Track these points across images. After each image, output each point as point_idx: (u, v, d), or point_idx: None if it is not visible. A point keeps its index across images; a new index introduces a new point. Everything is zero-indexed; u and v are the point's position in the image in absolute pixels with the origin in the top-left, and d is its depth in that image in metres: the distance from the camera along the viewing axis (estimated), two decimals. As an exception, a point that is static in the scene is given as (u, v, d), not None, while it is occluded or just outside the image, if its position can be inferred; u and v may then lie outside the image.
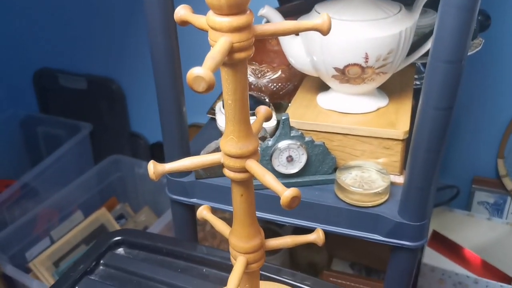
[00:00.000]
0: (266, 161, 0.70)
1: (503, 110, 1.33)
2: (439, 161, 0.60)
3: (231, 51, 0.37)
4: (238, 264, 0.48)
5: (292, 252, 1.16)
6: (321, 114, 0.74)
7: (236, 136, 0.42)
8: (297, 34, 0.72)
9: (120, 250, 0.75)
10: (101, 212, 1.69)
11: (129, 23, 1.64)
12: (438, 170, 0.61)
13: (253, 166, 0.42)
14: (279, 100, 0.85)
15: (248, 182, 0.45)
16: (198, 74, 0.32)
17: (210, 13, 0.37)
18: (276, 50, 0.89)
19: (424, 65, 0.93)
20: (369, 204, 0.68)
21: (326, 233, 0.94)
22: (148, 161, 1.61)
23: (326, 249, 1.10)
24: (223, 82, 0.40)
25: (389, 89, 0.78)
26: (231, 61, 0.37)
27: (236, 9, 0.36)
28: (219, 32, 0.36)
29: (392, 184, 0.71)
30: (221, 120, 0.77)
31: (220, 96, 0.88)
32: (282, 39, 0.73)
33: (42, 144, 1.96)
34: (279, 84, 0.82)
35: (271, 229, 1.19)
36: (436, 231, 1.41)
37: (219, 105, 0.79)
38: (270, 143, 0.69)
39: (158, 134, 1.83)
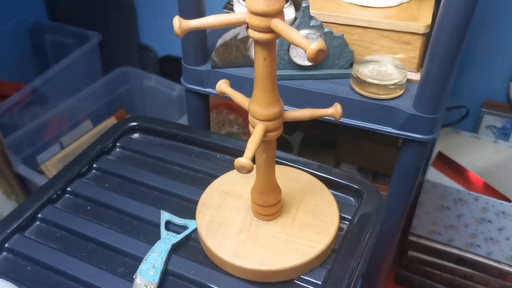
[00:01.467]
0: (284, 51, 0.70)
1: (520, 32, 1.31)
2: (460, 51, 0.59)
3: None
4: (257, 130, 0.49)
5: (300, 156, 1.18)
6: (340, 7, 0.73)
7: (264, -9, 0.41)
8: None
9: (136, 135, 0.76)
10: (111, 121, 1.71)
11: None
12: (457, 62, 0.61)
13: (279, 24, 0.42)
14: (298, -3, 0.83)
15: (272, 45, 0.45)
16: None
17: None
18: None
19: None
20: (384, 97, 0.68)
21: (335, 138, 0.94)
22: (157, 74, 1.62)
23: (334, 154, 1.12)
24: None
25: (412, -13, 0.77)
26: None
27: None
28: None
29: (408, 81, 0.71)
30: (239, 9, 0.76)
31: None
32: None
33: (50, 52, 1.95)
34: (299, -22, 0.80)
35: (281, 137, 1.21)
36: (441, 152, 1.43)
37: (237, -4, 0.78)
38: (288, 32, 0.69)
39: (167, 48, 1.82)
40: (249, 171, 0.45)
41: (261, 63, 0.46)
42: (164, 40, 1.80)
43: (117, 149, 0.74)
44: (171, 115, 1.78)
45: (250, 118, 0.50)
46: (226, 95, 0.54)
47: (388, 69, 0.69)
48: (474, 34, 1.33)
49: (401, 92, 0.69)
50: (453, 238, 1.35)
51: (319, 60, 0.39)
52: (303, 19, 0.68)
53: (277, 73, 0.72)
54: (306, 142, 1.14)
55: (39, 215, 0.63)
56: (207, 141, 0.73)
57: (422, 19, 0.68)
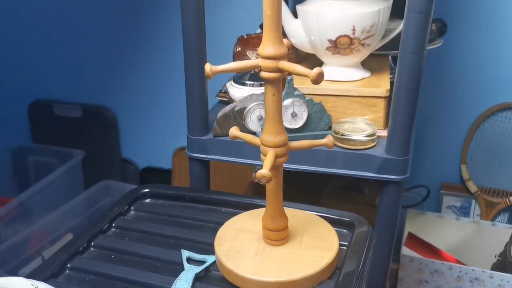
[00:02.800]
0: (274, 118, 0.84)
1: (462, 120, 1.53)
2: (417, 100, 0.75)
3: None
4: (269, 155, 0.60)
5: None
6: (317, 83, 0.89)
7: (272, 41, 0.56)
8: (296, 17, 0.89)
9: (147, 200, 0.85)
10: (94, 231, 1.75)
11: (123, 51, 1.79)
12: (416, 109, 0.77)
13: (285, 63, 0.56)
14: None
15: (279, 83, 0.59)
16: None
17: None
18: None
19: (394, 59, 1.11)
20: (361, 147, 0.82)
21: (319, 203, 1.06)
22: (138, 185, 1.75)
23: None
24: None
25: (370, 69, 0.95)
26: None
27: None
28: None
29: (378, 137, 0.86)
30: (233, 91, 0.91)
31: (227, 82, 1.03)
32: (284, 24, 0.90)
33: (33, 172, 2.03)
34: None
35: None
36: (411, 232, 1.54)
37: (229, 82, 0.94)
38: (277, 101, 0.84)
39: (147, 159, 1.95)
40: (268, 180, 0.56)
41: (271, 99, 0.59)
42: (144, 152, 1.94)
43: (132, 212, 0.82)
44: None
45: (262, 148, 0.62)
46: (238, 138, 0.66)
47: (361, 126, 0.84)
48: (425, 122, 1.54)
49: (374, 144, 0.83)
50: (435, 312, 1.41)
51: (320, 81, 0.53)
52: (289, 90, 0.83)
53: (269, 137, 0.86)
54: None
55: (68, 265, 0.69)
56: (213, 198, 0.82)
57: (382, 86, 0.86)
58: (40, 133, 2.02)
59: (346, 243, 0.71)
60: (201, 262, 0.68)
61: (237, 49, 0.98)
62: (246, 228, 0.71)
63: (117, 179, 1.94)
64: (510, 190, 1.54)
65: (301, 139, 0.87)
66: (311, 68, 0.97)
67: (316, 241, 0.68)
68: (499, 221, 1.56)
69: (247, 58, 0.97)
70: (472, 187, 1.56)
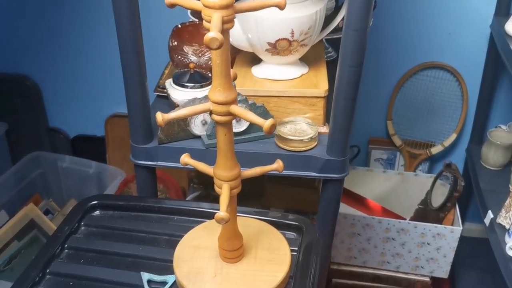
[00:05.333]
0: (218, 123, 0.85)
1: (388, 79, 1.60)
2: (354, 107, 0.79)
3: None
4: (224, 189, 0.62)
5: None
6: (257, 83, 0.90)
7: (222, 87, 0.56)
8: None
9: (97, 213, 0.85)
10: (29, 208, 1.70)
11: (41, 17, 1.66)
12: (354, 115, 0.81)
13: (236, 109, 0.57)
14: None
15: (230, 124, 0.60)
16: (212, 36, 0.46)
17: (205, -4, 0.51)
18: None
19: (328, 41, 1.13)
20: (303, 148, 0.86)
21: (262, 187, 1.10)
22: (70, 155, 1.70)
23: (260, 202, 1.27)
24: (213, 47, 0.54)
25: (307, 61, 0.97)
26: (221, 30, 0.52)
27: (225, -8, 0.50)
28: (213, 9, 0.51)
29: (319, 134, 0.90)
30: (174, 93, 0.90)
31: (164, 74, 1.01)
32: (220, 22, 0.88)
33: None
34: (217, 61, 0.97)
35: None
36: (344, 187, 1.65)
37: (168, 81, 0.92)
38: (220, 107, 0.84)
39: (78, 128, 1.88)
40: (227, 221, 0.59)
41: (223, 138, 0.60)
42: (74, 120, 1.87)
43: (83, 228, 0.82)
44: (88, 193, 1.82)
45: (216, 181, 0.64)
46: (189, 165, 0.67)
47: (302, 127, 0.87)
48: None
49: (315, 144, 0.87)
50: (367, 259, 1.56)
51: (272, 131, 0.55)
52: (231, 96, 0.84)
53: (214, 141, 0.87)
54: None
55: (27, 298, 0.69)
56: (164, 207, 0.84)
57: (321, 86, 0.88)
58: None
59: (296, 248, 0.76)
60: (162, 283, 0.71)
61: (173, 43, 0.96)
62: (202, 245, 0.74)
63: (46, 150, 1.87)
64: (429, 141, 1.66)
65: (247, 141, 0.89)
66: (249, 62, 0.97)
67: (270, 254, 0.72)
68: (420, 170, 1.70)
69: (184, 54, 0.95)
70: (397, 141, 1.67)
